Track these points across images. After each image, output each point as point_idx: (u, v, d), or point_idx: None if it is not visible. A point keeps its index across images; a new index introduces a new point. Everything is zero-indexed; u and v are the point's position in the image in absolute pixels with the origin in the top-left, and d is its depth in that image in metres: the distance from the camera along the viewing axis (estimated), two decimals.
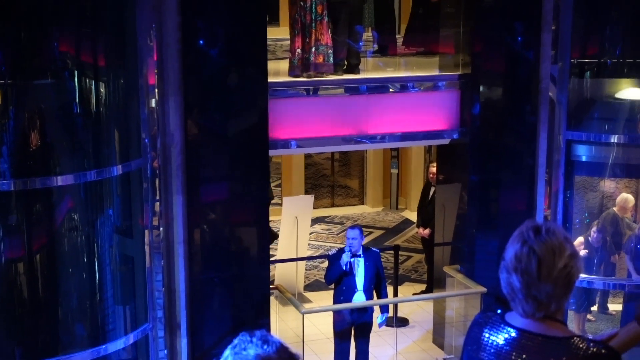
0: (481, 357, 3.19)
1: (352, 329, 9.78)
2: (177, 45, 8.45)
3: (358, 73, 10.50)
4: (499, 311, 3.23)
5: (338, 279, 9.65)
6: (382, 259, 10.02)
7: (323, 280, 11.56)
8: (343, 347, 9.77)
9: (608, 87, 10.43)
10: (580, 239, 10.22)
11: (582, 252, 10.12)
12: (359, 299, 9.60)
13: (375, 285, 9.75)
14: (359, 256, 9.55)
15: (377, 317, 9.94)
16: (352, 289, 9.58)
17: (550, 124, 10.09)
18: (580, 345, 3.01)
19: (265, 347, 2.68)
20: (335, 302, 9.81)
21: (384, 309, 9.99)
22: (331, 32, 10.12)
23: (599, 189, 10.60)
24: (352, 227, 9.74)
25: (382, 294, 9.82)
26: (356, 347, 9.83)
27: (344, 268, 9.49)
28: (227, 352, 2.74)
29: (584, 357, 2.99)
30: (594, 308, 10.87)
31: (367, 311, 9.77)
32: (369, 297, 9.65)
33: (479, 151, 10.05)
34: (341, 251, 9.63)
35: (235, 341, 2.74)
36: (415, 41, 12.75)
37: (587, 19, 10.22)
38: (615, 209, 10.34)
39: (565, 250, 3.02)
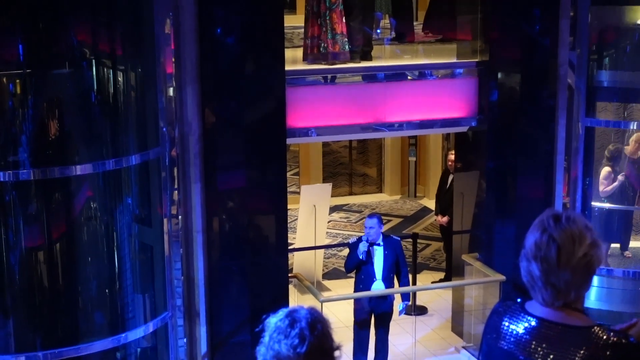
0: (501, 345, 3.19)
1: (371, 317, 9.78)
2: (194, 34, 8.46)
3: (370, 59, 10.49)
4: (518, 300, 3.23)
5: (357, 268, 9.65)
6: (402, 247, 9.99)
7: (341, 269, 11.59)
8: (362, 335, 9.77)
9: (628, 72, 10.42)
10: (607, 169, 10.21)
11: (619, 178, 10.26)
12: (377, 287, 9.59)
13: (396, 273, 9.74)
14: (378, 245, 9.54)
15: (398, 304, 9.94)
16: (371, 278, 9.57)
17: (569, 111, 10.05)
18: (601, 335, 3.01)
19: (298, 348, 2.69)
20: (355, 290, 9.82)
21: (404, 296, 9.97)
22: (346, 20, 10.11)
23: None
24: (371, 216, 9.70)
25: (403, 282, 9.81)
26: (376, 335, 9.83)
27: (360, 257, 9.49)
28: (271, 327, 2.73)
29: (604, 346, 2.98)
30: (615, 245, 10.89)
31: (386, 299, 9.75)
32: (388, 285, 9.63)
33: (497, 138, 10.02)
34: (360, 239, 9.62)
35: (278, 322, 2.75)
36: (435, 27, 12.71)
37: (606, 4, 10.16)
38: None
39: (586, 239, 3.02)
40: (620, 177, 10.37)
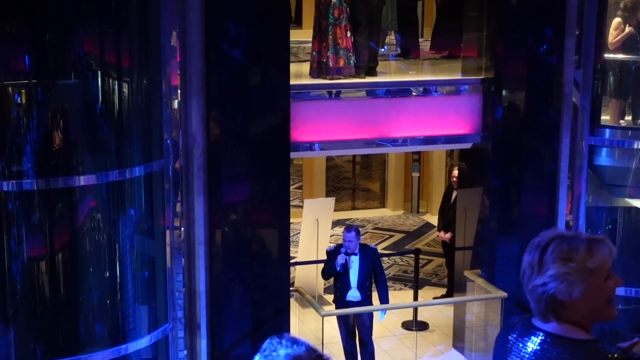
0: (507, 357, 3.25)
1: (355, 328, 9.93)
2: (201, 47, 8.48)
3: (375, 75, 10.52)
4: (527, 315, 3.28)
5: (334, 276, 9.88)
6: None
7: None
8: (350, 346, 9.94)
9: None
10: (617, 20, 10.12)
11: (627, 30, 10.13)
12: (353, 295, 9.75)
13: (375, 282, 9.85)
14: (354, 254, 9.64)
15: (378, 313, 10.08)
16: (347, 286, 9.74)
17: (573, 129, 10.06)
18: (602, 349, 3.04)
19: (295, 346, 2.73)
20: (334, 298, 10.05)
21: (383, 301, 10.01)
22: (352, 35, 10.15)
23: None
24: (349, 230, 9.77)
25: (381, 289, 9.89)
26: (360, 345, 9.95)
27: (338, 269, 9.66)
28: (257, 358, 2.77)
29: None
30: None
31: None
32: (363, 293, 9.77)
33: (501, 155, 10.02)
34: (338, 247, 9.78)
35: (264, 345, 2.79)
36: (441, 44, 12.75)
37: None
38: None
39: (548, 270, 3.06)
40: (629, 28, 10.11)
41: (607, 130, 10.29)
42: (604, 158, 10.34)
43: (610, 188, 10.48)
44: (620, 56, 10.30)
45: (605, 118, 10.41)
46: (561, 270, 3.05)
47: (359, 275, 9.69)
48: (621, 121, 10.53)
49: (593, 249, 3.07)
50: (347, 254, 9.64)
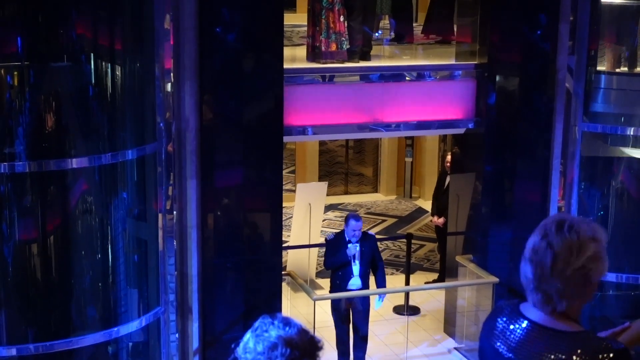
0: (492, 342, 3.24)
1: (349, 313, 9.85)
2: (194, 30, 8.45)
3: (369, 60, 10.51)
4: (516, 301, 3.25)
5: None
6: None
7: None
8: (343, 331, 9.90)
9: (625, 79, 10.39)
10: None
11: None
12: (354, 283, 9.69)
13: (372, 269, 9.81)
14: (356, 242, 9.61)
15: (374, 298, 10.00)
16: (349, 275, 9.67)
17: (566, 115, 10.06)
18: (588, 341, 3.03)
19: (287, 328, 2.72)
20: (332, 286, 9.92)
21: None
22: (346, 20, 10.14)
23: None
24: (356, 219, 9.68)
25: (379, 277, 9.87)
26: (354, 331, 9.90)
27: (350, 259, 9.57)
28: (248, 335, 2.76)
29: (591, 351, 2.99)
30: None
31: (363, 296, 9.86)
32: (364, 281, 9.73)
33: (494, 141, 10.02)
34: (339, 235, 9.72)
35: (256, 324, 2.78)
36: (435, 29, 12.73)
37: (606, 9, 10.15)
38: None
39: (586, 251, 2.99)
40: None
41: (603, 78, 10.22)
42: (600, 104, 10.29)
43: (607, 137, 10.40)
44: (618, 1, 10.22)
45: (601, 69, 10.34)
46: (597, 248, 3.00)
47: (361, 263, 9.64)
48: (617, 70, 10.49)
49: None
50: (349, 241, 9.59)
